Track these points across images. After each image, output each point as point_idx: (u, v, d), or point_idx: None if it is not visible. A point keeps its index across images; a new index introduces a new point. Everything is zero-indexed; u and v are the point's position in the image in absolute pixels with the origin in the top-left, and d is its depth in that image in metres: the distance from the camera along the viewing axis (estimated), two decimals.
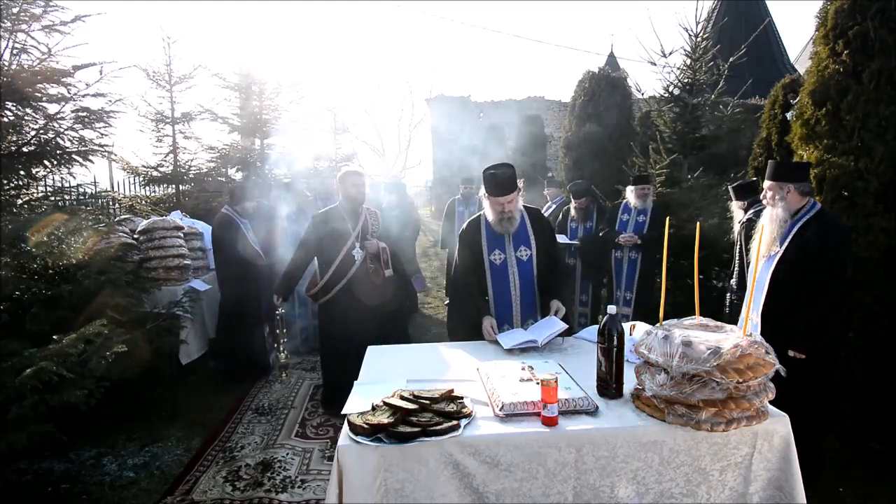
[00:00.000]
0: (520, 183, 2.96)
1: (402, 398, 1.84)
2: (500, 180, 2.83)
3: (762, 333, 2.79)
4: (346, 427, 1.78)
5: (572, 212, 5.74)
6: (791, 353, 2.69)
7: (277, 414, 4.17)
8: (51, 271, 3.52)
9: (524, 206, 3.03)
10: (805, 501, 1.81)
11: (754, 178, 4.84)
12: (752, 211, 3.82)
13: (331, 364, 4.05)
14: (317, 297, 3.95)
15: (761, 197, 3.00)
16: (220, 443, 3.72)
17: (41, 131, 3.67)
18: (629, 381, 1.99)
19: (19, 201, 3.66)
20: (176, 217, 5.30)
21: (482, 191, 2.94)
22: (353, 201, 3.92)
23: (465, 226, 3.11)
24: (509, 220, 2.89)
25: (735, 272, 3.45)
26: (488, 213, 2.94)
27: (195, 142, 6.88)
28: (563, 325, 2.65)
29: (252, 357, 4.90)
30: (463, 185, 7.79)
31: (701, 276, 4.47)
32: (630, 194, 5.21)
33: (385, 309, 4.01)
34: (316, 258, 3.98)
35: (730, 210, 4.36)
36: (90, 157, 3.88)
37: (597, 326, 2.12)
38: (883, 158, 3.14)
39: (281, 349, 4.00)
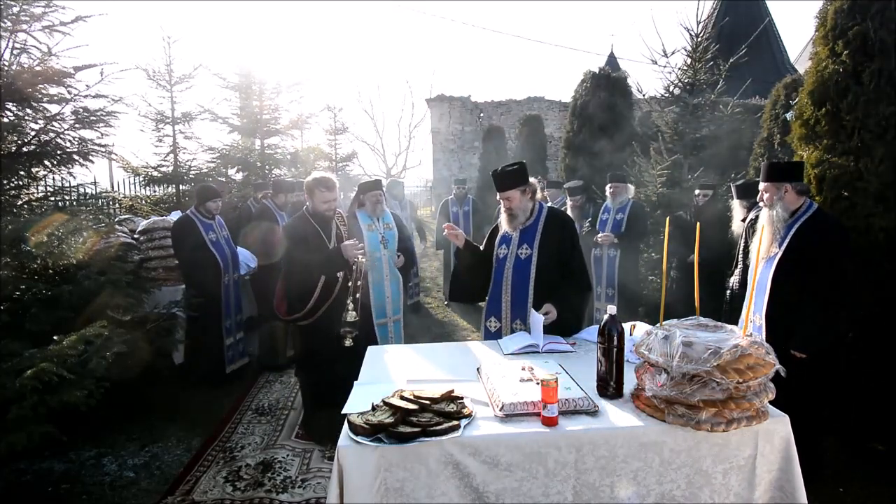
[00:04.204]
0: (537, 184, 3.02)
1: (403, 398, 1.84)
2: (497, 176, 2.94)
3: (766, 334, 2.79)
4: (346, 427, 1.78)
5: (568, 211, 5.80)
6: (793, 353, 2.69)
7: (277, 414, 4.17)
8: (51, 271, 3.51)
9: (549, 208, 3.06)
10: (806, 502, 1.81)
11: (757, 179, 4.89)
12: (755, 211, 3.81)
13: (314, 391, 3.67)
14: (299, 321, 3.51)
15: (758, 199, 3.00)
16: (221, 443, 3.72)
17: (41, 132, 3.67)
18: (629, 382, 1.99)
19: (19, 202, 3.65)
20: (176, 217, 5.31)
21: None
22: (323, 215, 3.53)
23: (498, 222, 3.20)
24: (511, 217, 2.95)
25: (737, 271, 3.45)
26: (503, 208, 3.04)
27: (195, 142, 6.90)
28: (541, 317, 2.64)
29: (205, 363, 4.67)
30: (456, 186, 7.88)
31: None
32: (607, 191, 5.53)
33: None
34: (288, 279, 3.50)
35: (730, 210, 4.37)
36: (90, 158, 3.87)
37: (597, 326, 2.12)
38: (883, 158, 3.13)
39: (351, 307, 3.31)
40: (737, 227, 3.65)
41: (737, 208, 4.15)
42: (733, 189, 4.27)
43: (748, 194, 4.11)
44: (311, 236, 3.49)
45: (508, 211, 2.94)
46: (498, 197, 2.98)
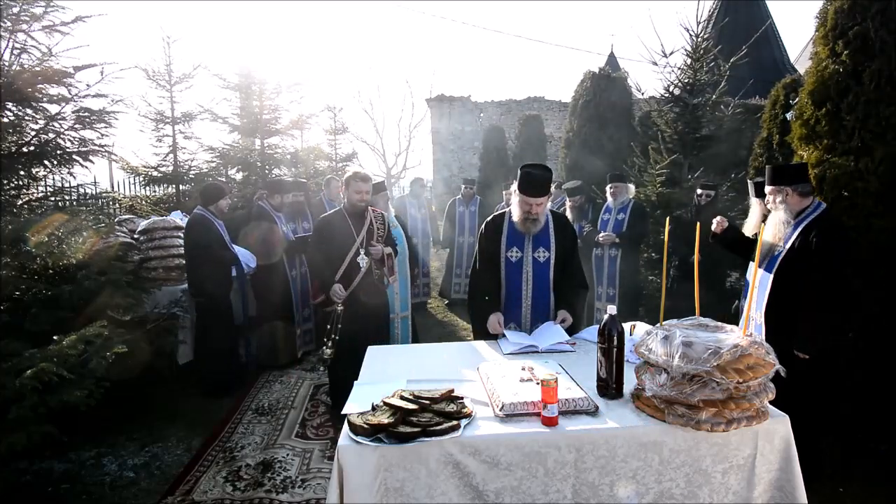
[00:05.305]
0: (552, 188, 3.01)
1: (403, 398, 1.84)
2: (534, 180, 2.82)
3: (766, 334, 2.79)
4: (346, 427, 1.78)
5: (567, 211, 5.79)
6: (796, 353, 2.70)
7: (277, 414, 4.17)
8: (51, 271, 3.52)
9: (550, 211, 3.04)
10: (806, 502, 1.81)
11: None
12: None
13: (335, 370, 3.87)
14: (323, 306, 3.79)
15: (765, 202, 3.04)
16: (221, 443, 3.71)
17: (41, 132, 3.67)
18: (629, 382, 1.99)
19: (19, 202, 3.65)
20: (176, 217, 5.30)
21: (513, 187, 2.94)
22: (356, 206, 3.76)
23: (488, 220, 3.10)
24: (533, 222, 2.89)
25: None
26: (514, 210, 2.94)
27: (195, 142, 6.88)
28: (565, 336, 2.66)
29: (222, 371, 4.54)
30: (465, 186, 7.93)
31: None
32: (607, 192, 5.51)
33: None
34: (314, 267, 3.87)
35: (730, 210, 4.34)
36: (90, 158, 3.87)
37: (597, 326, 2.11)
38: (883, 159, 3.13)
39: (329, 345, 3.69)
40: (753, 227, 3.58)
41: (755, 207, 4.05)
42: (751, 187, 4.18)
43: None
44: (338, 229, 3.74)
45: (535, 216, 2.87)
46: (519, 199, 2.87)
